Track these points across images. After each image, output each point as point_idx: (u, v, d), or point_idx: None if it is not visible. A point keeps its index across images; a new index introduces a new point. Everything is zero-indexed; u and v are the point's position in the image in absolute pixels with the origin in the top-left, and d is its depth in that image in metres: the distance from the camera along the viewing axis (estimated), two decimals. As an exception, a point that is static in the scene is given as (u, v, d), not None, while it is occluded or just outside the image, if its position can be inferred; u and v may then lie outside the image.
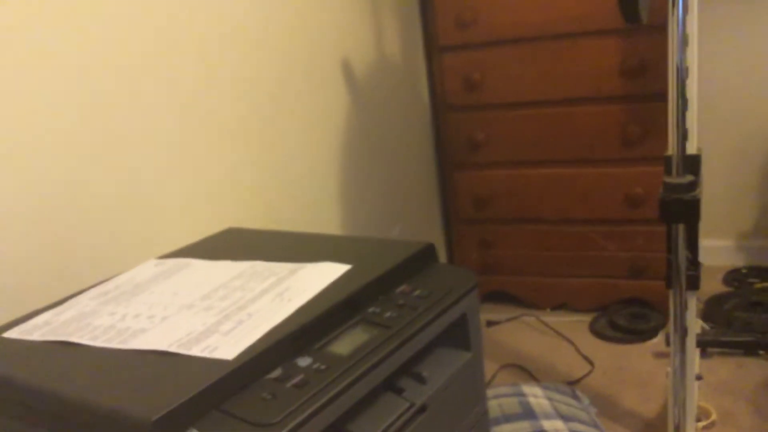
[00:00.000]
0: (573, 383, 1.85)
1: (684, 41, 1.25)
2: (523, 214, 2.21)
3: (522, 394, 1.56)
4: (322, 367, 0.74)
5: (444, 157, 2.27)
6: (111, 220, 1.17)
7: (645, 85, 1.93)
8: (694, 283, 1.36)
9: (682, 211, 1.28)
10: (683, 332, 1.40)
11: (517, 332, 2.17)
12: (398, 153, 2.13)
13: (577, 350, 2.01)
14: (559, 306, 2.27)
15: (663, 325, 2.05)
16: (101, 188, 1.15)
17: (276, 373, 0.73)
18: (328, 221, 1.77)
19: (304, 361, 0.75)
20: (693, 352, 1.43)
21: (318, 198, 1.73)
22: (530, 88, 2.06)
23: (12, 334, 0.85)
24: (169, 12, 1.28)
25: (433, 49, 2.17)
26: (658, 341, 2.01)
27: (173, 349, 0.75)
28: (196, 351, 0.74)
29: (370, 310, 0.86)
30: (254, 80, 1.50)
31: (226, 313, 0.82)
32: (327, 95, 1.76)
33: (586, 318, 2.18)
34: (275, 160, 1.57)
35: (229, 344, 0.74)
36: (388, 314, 0.84)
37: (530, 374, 1.92)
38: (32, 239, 1.04)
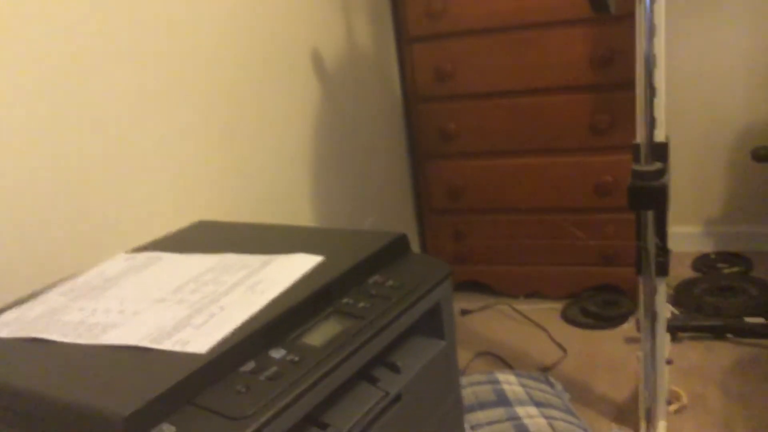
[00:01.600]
0: (546, 370, 1.87)
1: (651, 31, 1.26)
2: (495, 203, 2.22)
3: (496, 382, 1.58)
4: (296, 358, 0.74)
5: (416, 147, 2.27)
6: (79, 214, 1.15)
7: (613, 75, 1.95)
8: (663, 269, 1.38)
9: (650, 198, 1.30)
10: (653, 317, 1.42)
11: (490, 321, 2.18)
12: (370, 144, 2.13)
13: (550, 337, 2.03)
14: (532, 294, 2.29)
15: (633, 310, 2.08)
16: (68, 182, 1.13)
17: (249, 365, 0.73)
18: (300, 213, 1.77)
19: (277, 353, 0.75)
20: (663, 337, 1.45)
21: (290, 190, 1.73)
22: (500, 78, 2.07)
23: (-21, 331, 0.84)
24: (139, 5, 1.26)
25: (403, 39, 2.17)
26: (629, 327, 2.03)
27: (145, 343, 0.74)
28: (168, 345, 0.73)
29: (344, 301, 0.86)
30: (223, 72, 1.49)
31: (197, 307, 0.81)
32: (297, 87, 1.75)
33: (558, 305, 2.21)
34: (245, 153, 1.56)
35: (201, 337, 0.74)
36: (361, 305, 0.84)
37: (504, 362, 1.93)
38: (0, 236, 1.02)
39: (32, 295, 0.93)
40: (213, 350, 0.71)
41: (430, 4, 2.07)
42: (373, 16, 2.13)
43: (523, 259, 2.26)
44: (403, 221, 2.37)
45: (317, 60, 1.83)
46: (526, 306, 2.24)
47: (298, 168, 1.75)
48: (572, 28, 1.95)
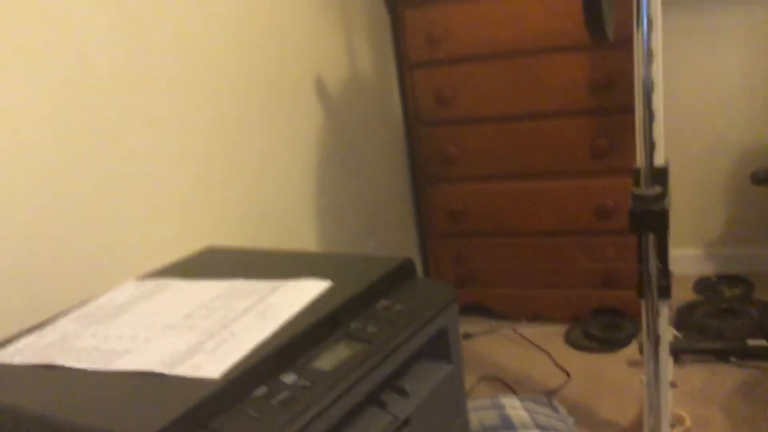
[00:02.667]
0: (550, 394, 1.87)
1: (649, 56, 1.29)
2: (497, 226, 2.23)
3: (500, 406, 1.58)
4: (307, 383, 0.75)
5: (418, 171, 2.29)
6: (89, 241, 1.17)
7: (612, 99, 1.97)
8: (665, 292, 1.39)
9: (651, 221, 1.31)
10: (656, 340, 1.43)
11: (493, 344, 2.19)
12: (373, 168, 2.15)
13: (553, 361, 2.04)
14: (535, 317, 2.29)
15: (636, 334, 2.08)
16: (78, 210, 1.15)
17: (261, 390, 0.74)
18: (304, 237, 1.78)
19: (288, 378, 0.76)
20: (666, 360, 1.46)
21: (294, 215, 1.74)
22: (500, 102, 2.10)
23: (-7, 358, 0.85)
24: (143, 31, 1.29)
25: (404, 65, 2.20)
26: (632, 350, 2.04)
27: (158, 369, 0.75)
28: (181, 370, 0.74)
29: (352, 325, 0.87)
30: (229, 99, 1.51)
31: (209, 332, 0.82)
32: (301, 113, 1.77)
33: (561, 329, 2.21)
34: (251, 179, 1.58)
35: (214, 362, 0.75)
36: (369, 329, 0.85)
37: (508, 386, 1.94)
38: (10, 262, 1.04)
39: (44, 323, 0.95)
40: (226, 375, 0.73)
41: (431, 31, 2.10)
42: (374, 43, 2.16)
43: (526, 283, 2.26)
44: (405, 244, 2.38)
45: (320, 86, 1.85)
46: (529, 329, 2.24)
47: (301, 192, 1.77)
48: (571, 54, 1.98)
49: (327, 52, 1.90)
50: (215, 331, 0.83)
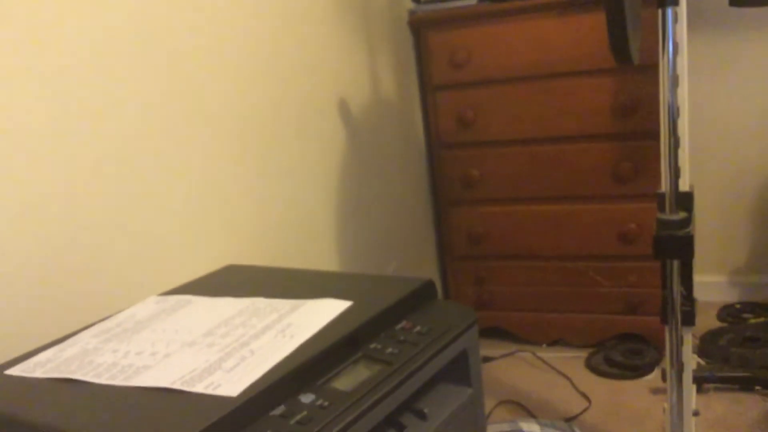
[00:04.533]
0: (570, 419, 1.84)
1: (674, 81, 1.28)
2: (518, 249, 2.22)
3: (520, 431, 1.56)
4: (325, 403, 0.75)
5: (439, 193, 2.29)
6: (111, 257, 1.17)
7: (636, 123, 1.96)
8: (689, 319, 1.37)
9: (676, 247, 1.30)
10: (679, 368, 1.40)
11: (513, 368, 2.17)
12: (394, 190, 2.15)
13: (574, 386, 2.01)
14: (555, 342, 2.27)
15: (658, 360, 2.05)
16: (101, 226, 1.16)
17: (279, 409, 0.74)
18: (325, 257, 1.78)
19: (307, 398, 0.76)
20: (689, 388, 1.44)
21: (315, 234, 1.74)
22: (523, 126, 2.09)
23: (14, 371, 0.85)
24: (170, 50, 1.30)
25: (427, 87, 2.20)
26: (654, 377, 2.01)
27: (177, 386, 0.75)
28: (200, 388, 0.74)
29: (372, 346, 0.86)
30: (253, 119, 1.52)
31: (228, 350, 0.82)
32: (325, 134, 1.78)
33: (582, 354, 2.18)
34: (274, 198, 1.59)
35: (232, 381, 0.75)
36: (389, 350, 0.85)
37: (527, 411, 1.91)
38: (33, 276, 1.04)
39: (65, 337, 0.95)
40: (244, 394, 0.72)
41: (454, 54, 2.11)
42: (398, 65, 2.17)
43: (546, 306, 2.24)
44: (425, 266, 2.38)
45: (344, 108, 1.86)
46: (549, 354, 2.22)
47: (323, 213, 1.77)
48: (595, 78, 1.97)
49: (351, 75, 1.91)
50: (234, 349, 0.82)
